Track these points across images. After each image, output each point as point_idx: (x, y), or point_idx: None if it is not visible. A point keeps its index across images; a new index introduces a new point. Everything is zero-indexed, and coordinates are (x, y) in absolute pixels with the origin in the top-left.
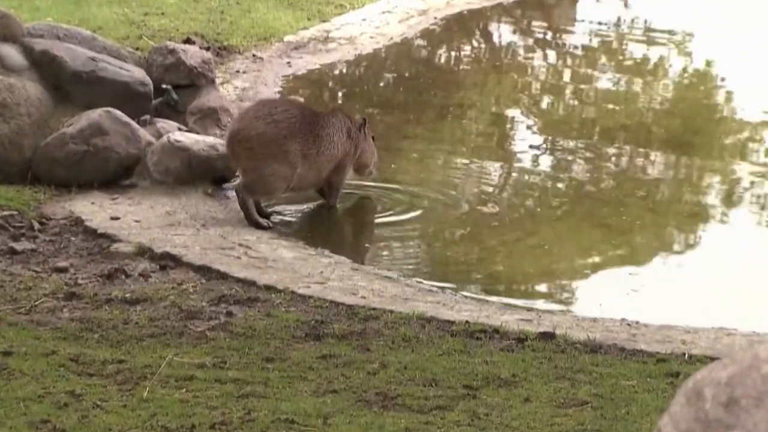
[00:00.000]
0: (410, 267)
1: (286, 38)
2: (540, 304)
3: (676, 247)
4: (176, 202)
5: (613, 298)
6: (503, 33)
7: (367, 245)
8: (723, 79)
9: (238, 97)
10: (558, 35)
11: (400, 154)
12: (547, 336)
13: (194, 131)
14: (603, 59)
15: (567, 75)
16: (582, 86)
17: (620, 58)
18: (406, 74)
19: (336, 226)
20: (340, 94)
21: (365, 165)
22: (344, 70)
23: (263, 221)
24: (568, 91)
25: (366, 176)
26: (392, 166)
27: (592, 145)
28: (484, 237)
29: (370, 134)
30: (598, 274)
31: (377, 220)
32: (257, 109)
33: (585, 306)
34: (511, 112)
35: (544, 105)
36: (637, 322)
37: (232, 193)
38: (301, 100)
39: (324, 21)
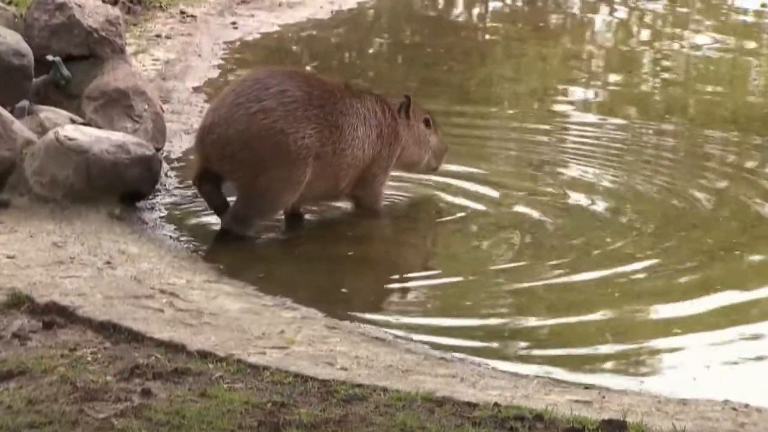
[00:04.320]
0: (412, 323)
1: None
2: (604, 378)
3: None
4: (68, 228)
5: (712, 369)
6: None
7: (348, 291)
8: None
9: (160, 75)
10: None
11: None
12: (615, 426)
13: (95, 124)
14: (697, 18)
15: (644, 42)
16: (666, 59)
17: (722, 17)
18: (407, 40)
19: (304, 261)
20: (308, 69)
21: (414, 163)
22: (315, 34)
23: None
24: (646, 66)
25: (429, 173)
26: None
27: (683, 144)
28: (523, 278)
29: (420, 117)
30: (691, 334)
31: (364, 254)
32: (240, 90)
33: (671, 381)
34: (561, 96)
35: (610, 86)
36: (746, 406)
37: (151, 216)
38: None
39: None
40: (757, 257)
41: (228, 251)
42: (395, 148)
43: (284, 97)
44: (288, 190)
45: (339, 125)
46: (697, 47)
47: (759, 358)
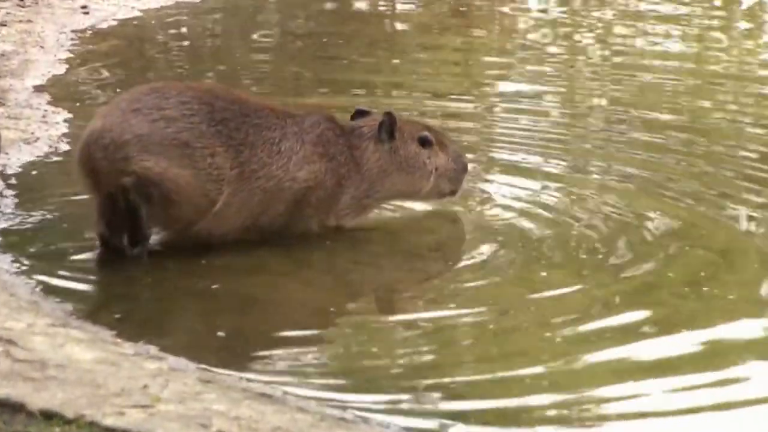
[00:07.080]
0: (306, 376)
1: None
2: None
3: None
4: None
5: (674, 420)
6: None
7: (226, 335)
8: None
9: None
10: None
11: None
12: None
13: None
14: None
15: (589, 29)
16: (615, 50)
17: (690, 19)
18: (299, 29)
19: (171, 299)
20: (179, 67)
21: (406, 192)
22: (185, 21)
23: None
24: (591, 60)
25: (443, 198)
26: None
27: (656, 161)
28: (442, 316)
29: (412, 136)
30: (649, 379)
31: (244, 288)
32: (135, 98)
33: None
34: (486, 98)
35: (547, 84)
36: None
37: None
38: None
39: None
40: (725, 292)
41: (78, 288)
42: (349, 181)
43: (185, 108)
44: (192, 192)
45: (251, 143)
46: (669, 41)
47: (730, 403)
